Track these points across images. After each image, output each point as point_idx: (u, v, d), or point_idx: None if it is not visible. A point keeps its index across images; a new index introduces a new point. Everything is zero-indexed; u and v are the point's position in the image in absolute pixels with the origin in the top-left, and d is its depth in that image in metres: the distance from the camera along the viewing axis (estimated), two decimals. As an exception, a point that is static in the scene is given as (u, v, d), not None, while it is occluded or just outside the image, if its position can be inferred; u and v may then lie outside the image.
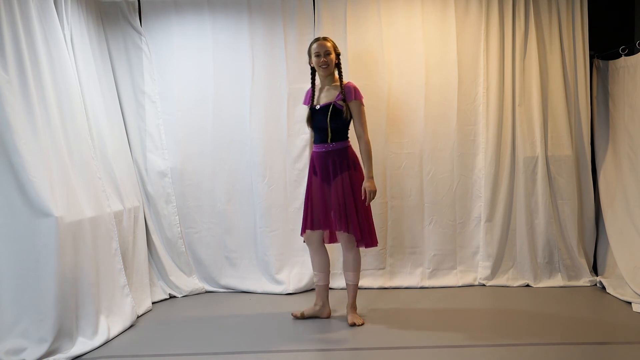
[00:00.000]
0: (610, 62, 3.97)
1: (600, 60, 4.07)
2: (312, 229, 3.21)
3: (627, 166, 3.75)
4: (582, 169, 3.96)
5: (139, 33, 3.89)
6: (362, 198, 3.12)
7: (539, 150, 3.88)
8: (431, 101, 3.92)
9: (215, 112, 3.96)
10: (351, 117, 3.17)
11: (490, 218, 3.94)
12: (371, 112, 3.94)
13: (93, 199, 3.09)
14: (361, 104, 3.18)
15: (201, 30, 3.95)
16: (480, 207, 3.96)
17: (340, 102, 3.14)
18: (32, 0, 2.87)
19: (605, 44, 4.04)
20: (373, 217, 3.89)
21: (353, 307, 3.23)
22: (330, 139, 3.15)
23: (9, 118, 2.60)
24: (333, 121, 3.13)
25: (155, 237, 3.91)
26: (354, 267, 3.20)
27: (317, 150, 3.22)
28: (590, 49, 3.96)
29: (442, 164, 3.95)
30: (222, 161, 3.98)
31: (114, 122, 3.67)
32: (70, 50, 3.18)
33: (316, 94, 3.26)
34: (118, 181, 3.45)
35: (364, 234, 3.15)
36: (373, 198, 3.14)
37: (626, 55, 3.83)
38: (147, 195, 3.92)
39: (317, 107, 3.19)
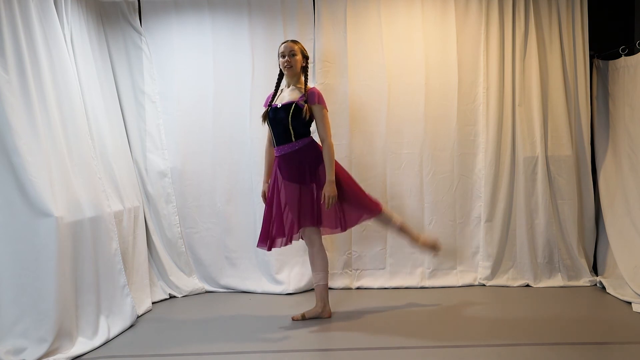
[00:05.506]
0: (610, 62, 3.97)
1: (600, 60, 4.06)
2: (311, 225, 3.20)
3: (627, 166, 3.75)
4: (582, 169, 3.96)
5: (139, 33, 3.89)
6: (322, 202, 3.12)
7: (539, 150, 3.88)
8: (431, 101, 3.92)
9: (216, 112, 3.96)
10: (311, 119, 3.18)
11: (490, 218, 3.94)
12: (371, 113, 3.95)
13: (93, 199, 3.09)
14: (324, 108, 3.18)
15: (201, 30, 3.95)
16: (480, 207, 3.96)
17: (302, 102, 3.14)
18: (32, 0, 2.87)
19: (605, 44, 4.03)
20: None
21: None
22: (295, 137, 3.15)
23: (9, 118, 2.60)
24: (295, 119, 3.13)
25: (155, 237, 3.91)
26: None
27: (282, 153, 3.19)
28: (590, 49, 3.95)
29: (442, 164, 3.95)
30: (222, 161, 3.98)
31: (114, 122, 3.67)
32: (70, 50, 3.17)
33: (278, 94, 3.29)
34: (118, 181, 3.45)
35: (371, 206, 3.26)
36: (333, 202, 3.11)
37: (626, 55, 3.82)
38: (147, 195, 3.92)
39: (279, 105, 3.19)
